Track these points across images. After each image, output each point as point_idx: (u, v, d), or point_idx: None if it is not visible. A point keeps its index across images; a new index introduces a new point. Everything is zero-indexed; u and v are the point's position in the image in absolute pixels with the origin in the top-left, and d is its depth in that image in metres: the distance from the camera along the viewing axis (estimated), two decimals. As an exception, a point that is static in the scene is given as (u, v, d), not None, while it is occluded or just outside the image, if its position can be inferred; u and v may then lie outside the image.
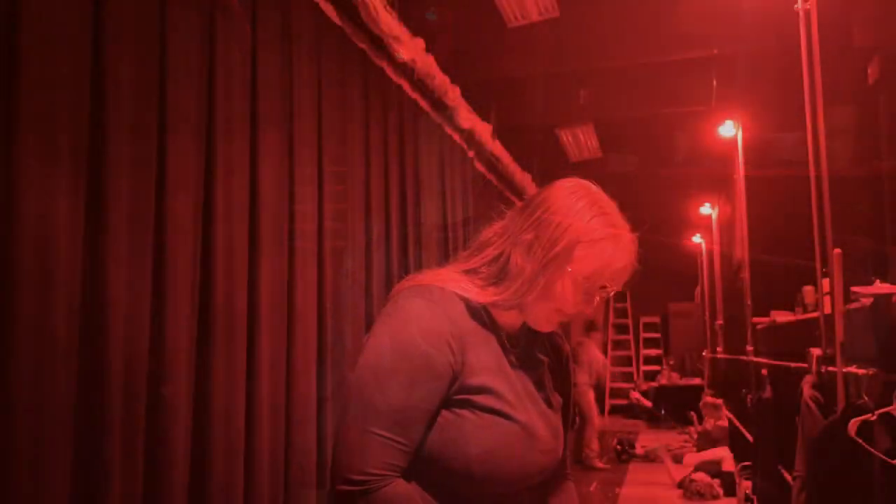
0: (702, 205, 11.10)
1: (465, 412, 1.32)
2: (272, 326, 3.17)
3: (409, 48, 4.64)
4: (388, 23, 4.25)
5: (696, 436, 9.08)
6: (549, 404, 1.47)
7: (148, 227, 2.49)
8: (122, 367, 2.32)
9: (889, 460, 2.55)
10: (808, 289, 4.47)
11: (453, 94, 5.59)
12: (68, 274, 2.16)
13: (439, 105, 5.62)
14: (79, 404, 2.19)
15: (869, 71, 5.09)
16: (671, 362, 13.78)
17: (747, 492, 5.55)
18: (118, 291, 2.33)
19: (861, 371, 2.97)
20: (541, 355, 1.53)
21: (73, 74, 2.22)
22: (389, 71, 4.73)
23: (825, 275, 3.66)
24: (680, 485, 6.92)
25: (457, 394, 1.32)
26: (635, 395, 13.00)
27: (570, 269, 1.38)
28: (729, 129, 7.24)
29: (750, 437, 5.55)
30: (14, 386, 1.99)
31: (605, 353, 12.40)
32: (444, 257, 5.59)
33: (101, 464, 2.23)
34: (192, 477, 2.63)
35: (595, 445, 8.47)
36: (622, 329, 15.18)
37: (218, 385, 2.79)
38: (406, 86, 5.01)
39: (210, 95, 2.87)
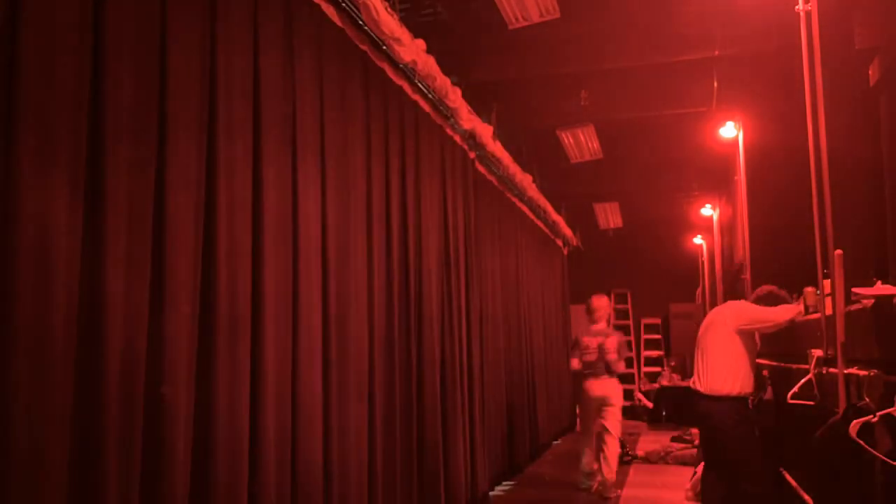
0: (703, 206, 11.11)
1: None
2: (276, 327, 3.17)
3: (410, 50, 4.64)
4: (390, 24, 4.26)
5: (697, 439, 9.06)
6: None
7: (147, 228, 2.49)
8: (121, 367, 2.32)
9: (890, 461, 2.54)
10: (809, 290, 4.46)
11: (454, 96, 5.59)
12: (67, 274, 2.16)
13: (440, 106, 5.63)
14: (76, 404, 2.19)
15: (870, 72, 5.09)
16: (672, 363, 13.77)
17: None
18: (117, 291, 2.33)
19: (862, 372, 2.97)
20: None
21: (73, 75, 2.23)
22: (390, 72, 4.73)
23: (826, 276, 3.66)
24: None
25: None
26: (639, 394, 13.02)
27: None
28: (730, 131, 7.24)
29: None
30: (12, 386, 1.99)
31: None
32: (445, 257, 5.60)
33: (97, 465, 2.23)
34: (192, 479, 2.62)
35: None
36: (623, 330, 15.17)
37: (220, 386, 2.79)
38: (407, 87, 5.01)
39: (212, 97, 2.88)
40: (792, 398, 3.88)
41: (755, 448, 4.55)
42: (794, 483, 4.47)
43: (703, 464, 5.31)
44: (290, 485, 3.23)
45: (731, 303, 5.15)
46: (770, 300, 4.77)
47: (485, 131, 6.54)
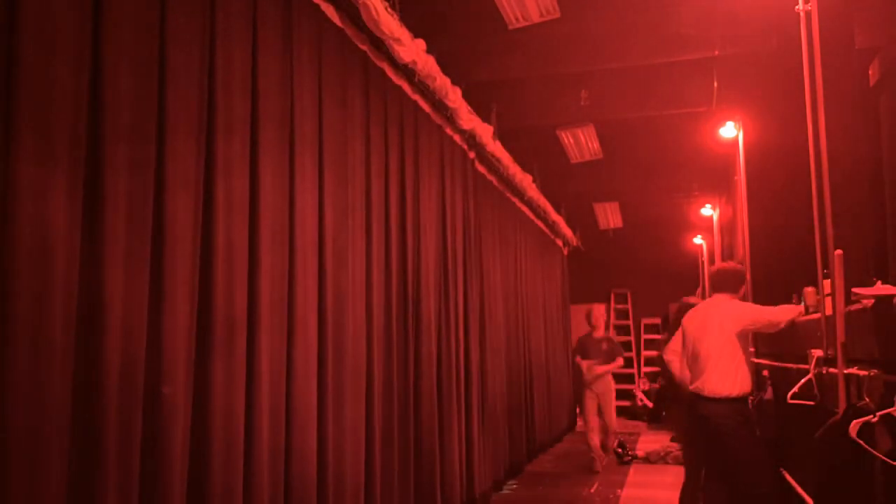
0: (703, 206, 11.10)
1: None
2: (272, 328, 3.17)
3: (410, 50, 4.64)
4: (389, 24, 4.25)
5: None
6: None
7: (146, 228, 2.49)
8: (120, 367, 2.32)
9: (890, 461, 2.54)
10: (809, 290, 4.46)
11: (454, 96, 5.59)
12: (66, 274, 2.16)
13: (440, 106, 5.62)
14: (76, 404, 2.19)
15: (870, 72, 5.09)
16: (672, 363, 13.79)
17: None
18: (116, 292, 2.33)
19: (862, 372, 2.97)
20: None
21: (72, 74, 2.22)
22: (390, 72, 4.73)
23: (826, 276, 3.66)
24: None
25: None
26: (639, 394, 13.04)
27: None
28: (730, 131, 7.23)
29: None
30: (11, 385, 1.99)
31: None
32: (443, 257, 5.59)
33: (97, 464, 2.23)
34: (190, 479, 2.62)
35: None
36: (623, 330, 15.17)
37: (217, 386, 2.79)
38: (406, 87, 5.01)
39: (211, 96, 2.88)
40: (792, 398, 3.87)
41: (758, 448, 4.53)
42: (794, 483, 4.47)
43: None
44: (283, 487, 3.22)
45: (724, 302, 4.71)
46: (734, 280, 4.76)
47: (485, 131, 6.54)
